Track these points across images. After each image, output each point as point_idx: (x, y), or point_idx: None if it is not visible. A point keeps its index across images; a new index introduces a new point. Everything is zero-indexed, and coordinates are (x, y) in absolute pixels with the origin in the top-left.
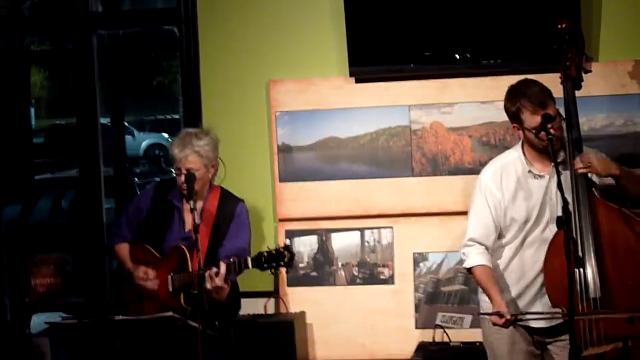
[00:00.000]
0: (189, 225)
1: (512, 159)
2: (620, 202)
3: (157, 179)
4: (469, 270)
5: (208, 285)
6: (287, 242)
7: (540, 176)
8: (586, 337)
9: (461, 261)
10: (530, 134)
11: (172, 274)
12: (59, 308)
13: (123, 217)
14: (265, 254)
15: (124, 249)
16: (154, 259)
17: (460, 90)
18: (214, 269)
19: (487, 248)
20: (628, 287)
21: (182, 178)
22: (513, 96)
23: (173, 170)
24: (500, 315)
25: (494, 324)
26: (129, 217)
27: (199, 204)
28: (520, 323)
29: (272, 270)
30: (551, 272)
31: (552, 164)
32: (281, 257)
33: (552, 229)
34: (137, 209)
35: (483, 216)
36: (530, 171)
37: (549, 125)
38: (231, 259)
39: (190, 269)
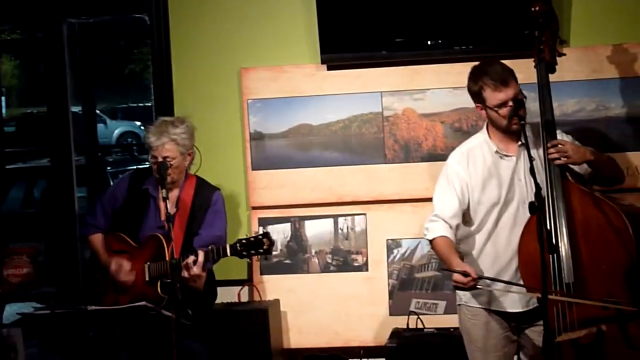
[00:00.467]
0: (164, 214)
1: (478, 143)
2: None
3: (131, 168)
4: (431, 242)
5: (186, 274)
6: (261, 229)
7: (507, 156)
8: (560, 322)
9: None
10: (493, 113)
11: (148, 262)
12: (32, 298)
13: (98, 206)
14: (244, 241)
15: (98, 239)
16: (130, 248)
17: (432, 77)
18: (192, 257)
19: (450, 227)
20: (601, 272)
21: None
22: (475, 75)
23: (149, 158)
24: (466, 275)
25: (457, 286)
26: (103, 206)
27: (175, 193)
28: (496, 309)
29: (250, 258)
30: (526, 257)
31: (518, 144)
32: (260, 245)
33: (524, 211)
34: (112, 198)
35: (449, 198)
36: (497, 151)
37: (511, 105)
38: (209, 247)
39: (167, 258)
